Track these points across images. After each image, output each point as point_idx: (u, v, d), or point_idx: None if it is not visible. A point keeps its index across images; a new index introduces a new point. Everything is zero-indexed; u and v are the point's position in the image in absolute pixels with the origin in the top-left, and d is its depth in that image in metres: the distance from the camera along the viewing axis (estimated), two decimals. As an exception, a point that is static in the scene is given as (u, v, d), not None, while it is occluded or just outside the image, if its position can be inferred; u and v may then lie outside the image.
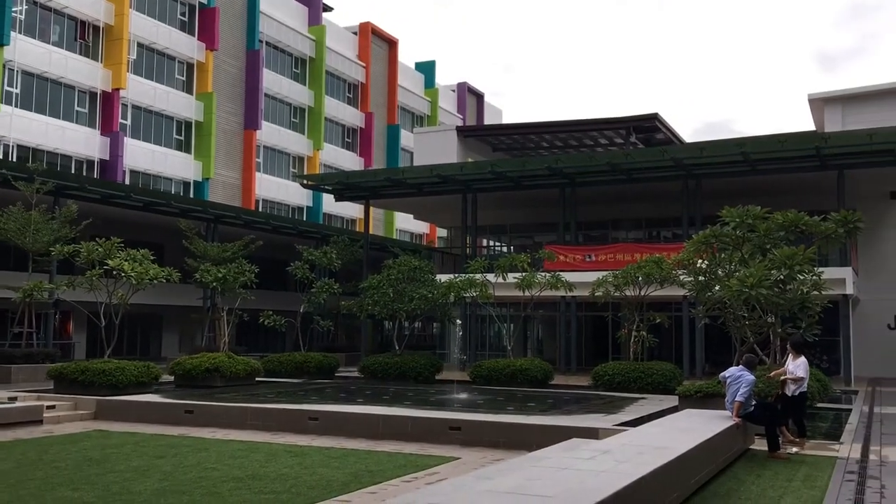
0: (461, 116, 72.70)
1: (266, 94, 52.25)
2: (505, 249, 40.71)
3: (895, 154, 26.83)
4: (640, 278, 22.79)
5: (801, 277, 15.92)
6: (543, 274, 26.40)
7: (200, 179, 47.42)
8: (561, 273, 26.77)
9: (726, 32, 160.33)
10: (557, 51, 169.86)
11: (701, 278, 17.72)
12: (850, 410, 18.26)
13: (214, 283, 26.48)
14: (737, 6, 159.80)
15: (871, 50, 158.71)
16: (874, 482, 9.72)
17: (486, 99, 77.96)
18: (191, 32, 47.71)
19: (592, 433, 11.95)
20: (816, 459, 11.32)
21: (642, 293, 23.23)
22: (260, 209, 50.28)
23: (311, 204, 55.25)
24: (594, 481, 6.53)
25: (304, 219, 53.03)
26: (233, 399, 18.20)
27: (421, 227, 63.42)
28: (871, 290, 33.43)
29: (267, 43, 52.95)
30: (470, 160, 40.19)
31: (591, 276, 25.69)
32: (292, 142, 54.74)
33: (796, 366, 12.71)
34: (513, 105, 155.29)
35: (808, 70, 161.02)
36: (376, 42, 64.02)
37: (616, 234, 37.31)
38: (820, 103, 36.81)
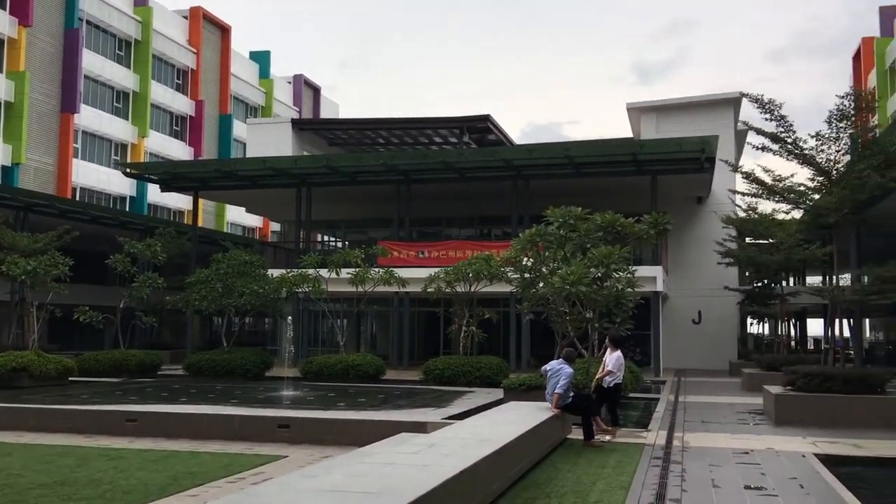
0: (297, 109, 71.50)
1: (86, 76, 49.04)
2: (339, 245, 40.52)
3: (701, 161, 29.07)
4: (471, 275, 23.40)
5: (617, 275, 16.95)
6: (377, 270, 26.51)
7: (10, 164, 43.86)
8: (394, 269, 26.99)
9: (553, 39, 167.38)
10: (393, 49, 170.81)
11: (527, 275, 18.44)
12: (657, 400, 19.60)
13: (23, 277, 24.61)
14: (564, 16, 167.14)
15: (683, 62, 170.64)
16: (676, 466, 10.52)
17: (323, 93, 77.11)
18: (2, 6, 43.99)
19: (421, 427, 12.14)
20: (627, 447, 12.08)
21: (472, 289, 23.86)
22: (78, 198, 47.16)
23: (134, 194, 52.46)
24: (419, 475, 6.65)
25: (127, 209, 50.28)
26: (42, 400, 17.01)
27: (254, 220, 61.85)
28: (679, 288, 36.10)
29: (88, 22, 49.70)
30: (305, 153, 39.64)
31: (425, 273, 26.11)
32: (115, 128, 51.72)
33: (611, 359, 13.50)
34: (349, 101, 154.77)
35: (628, 80, 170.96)
36: (208, 28, 61.67)
37: (449, 232, 38.07)
38: (637, 112, 39.26)
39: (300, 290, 26.88)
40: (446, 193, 34.77)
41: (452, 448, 8.27)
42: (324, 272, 26.44)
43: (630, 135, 41.87)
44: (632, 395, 19.93)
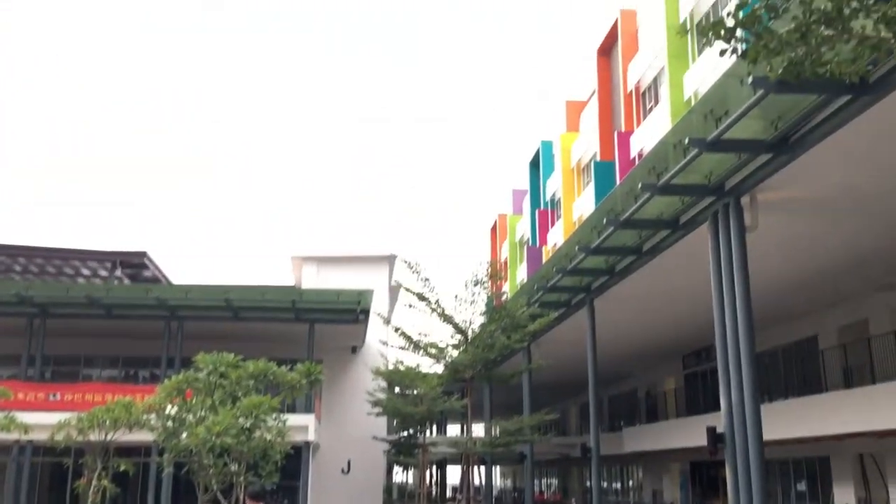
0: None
1: None
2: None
3: (357, 313, 30.29)
4: (107, 422, 21.40)
5: (267, 424, 16.66)
6: (-6, 414, 23.16)
7: None
8: (18, 413, 23.81)
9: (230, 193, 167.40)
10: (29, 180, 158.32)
11: (170, 424, 17.37)
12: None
13: None
14: (268, 167, 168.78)
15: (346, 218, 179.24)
16: None
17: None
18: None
19: None
20: None
21: (109, 438, 21.77)
22: None
23: None
24: None
25: None
26: None
27: None
28: (331, 436, 36.30)
29: None
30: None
31: (56, 418, 23.36)
32: None
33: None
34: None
35: (289, 231, 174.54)
36: None
37: (89, 372, 34.82)
38: (300, 261, 40.20)
39: None
40: (89, 330, 32.03)
41: None
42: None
43: (293, 283, 42.50)
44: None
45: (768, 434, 14.97)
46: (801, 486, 24.70)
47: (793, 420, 20.34)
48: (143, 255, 35.87)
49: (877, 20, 5.07)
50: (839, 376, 21.74)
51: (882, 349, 19.29)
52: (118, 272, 36.90)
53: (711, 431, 15.50)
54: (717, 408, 15.47)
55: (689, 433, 25.01)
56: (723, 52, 5.48)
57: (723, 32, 5.08)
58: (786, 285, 19.99)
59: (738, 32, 5.08)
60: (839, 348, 21.91)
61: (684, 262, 18.20)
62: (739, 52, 5.17)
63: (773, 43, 5.03)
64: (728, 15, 5.12)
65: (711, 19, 33.47)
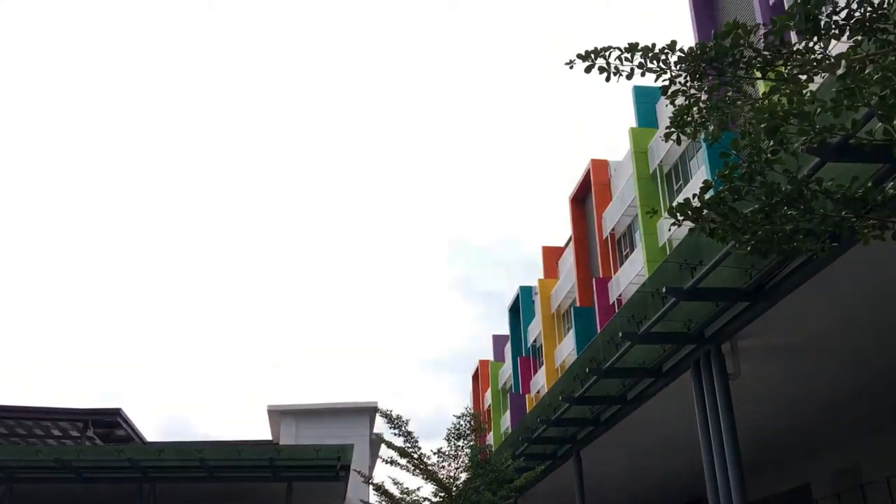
0: None
1: None
2: None
3: (337, 469, 29.36)
4: None
5: None
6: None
7: None
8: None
9: (177, 333, 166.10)
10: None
11: None
12: None
13: None
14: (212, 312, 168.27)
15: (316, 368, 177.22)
16: None
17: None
18: None
19: None
20: None
21: None
22: None
23: None
24: None
25: None
26: None
27: None
28: None
29: None
30: None
31: None
32: None
33: None
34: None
35: (266, 374, 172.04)
36: None
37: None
38: (277, 415, 39.33)
39: None
40: (58, 495, 30.70)
41: None
42: None
43: (269, 436, 41.43)
44: None
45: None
46: None
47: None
48: (116, 412, 35.07)
49: (836, 200, 5.31)
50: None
51: (876, 496, 18.85)
52: (90, 432, 35.87)
53: (709, 589, 14.83)
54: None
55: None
56: (692, 231, 5.70)
57: (690, 213, 5.29)
58: (774, 431, 19.73)
59: (705, 212, 5.31)
60: (833, 498, 21.39)
61: (670, 410, 17.99)
62: (707, 230, 5.39)
63: (738, 222, 5.24)
64: (694, 196, 5.36)
65: (679, 169, 34.64)
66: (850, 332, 14.51)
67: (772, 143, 4.85)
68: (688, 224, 5.35)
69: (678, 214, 5.24)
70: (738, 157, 5.06)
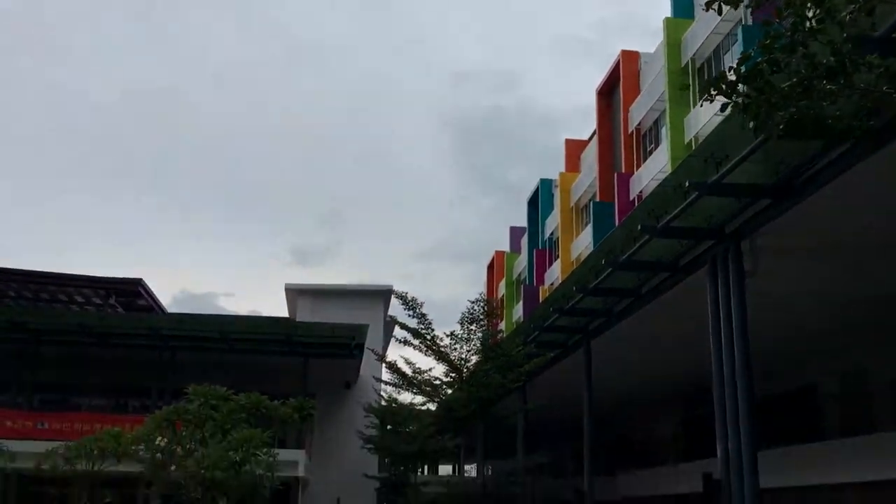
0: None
1: None
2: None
3: (352, 348, 30.06)
4: (96, 452, 21.11)
5: (257, 459, 16.43)
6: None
7: None
8: (4, 441, 23.55)
9: (210, 209, 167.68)
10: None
11: (158, 456, 17.12)
12: None
13: None
14: (219, 192, 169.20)
15: (338, 251, 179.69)
16: None
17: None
18: None
19: None
20: None
21: (96, 468, 21.46)
22: None
23: None
24: None
25: None
26: None
27: None
28: (322, 472, 35.77)
29: None
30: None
31: (43, 446, 23.05)
32: None
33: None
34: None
35: (285, 259, 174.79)
36: None
37: (80, 400, 34.43)
38: (294, 294, 40.00)
39: None
40: (82, 358, 31.74)
41: None
42: None
43: (286, 314, 42.28)
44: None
45: (765, 482, 14.75)
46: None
47: (790, 468, 20.08)
48: (138, 282, 35.73)
49: (878, 75, 5.07)
50: (839, 426, 21.52)
51: (882, 399, 19.11)
52: (112, 300, 36.73)
53: (707, 477, 15.30)
54: (713, 454, 15.22)
55: (685, 479, 24.69)
56: (724, 107, 5.48)
57: (724, 87, 5.07)
58: (786, 331, 19.87)
59: (740, 87, 5.07)
60: (840, 397, 21.72)
61: (683, 306, 18.09)
62: (741, 106, 5.15)
63: (774, 97, 5.01)
64: (730, 70, 5.11)
65: (713, 65, 33.67)
66: (872, 236, 14.35)
67: (818, 10, 4.59)
68: (720, 100, 5.15)
69: (712, 89, 5.03)
70: (780, 25, 4.81)
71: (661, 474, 29.64)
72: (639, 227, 15.46)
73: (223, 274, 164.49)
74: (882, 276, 16.26)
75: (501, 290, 59.69)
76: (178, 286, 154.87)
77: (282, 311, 43.35)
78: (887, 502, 19.96)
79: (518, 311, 56.01)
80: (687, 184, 13.41)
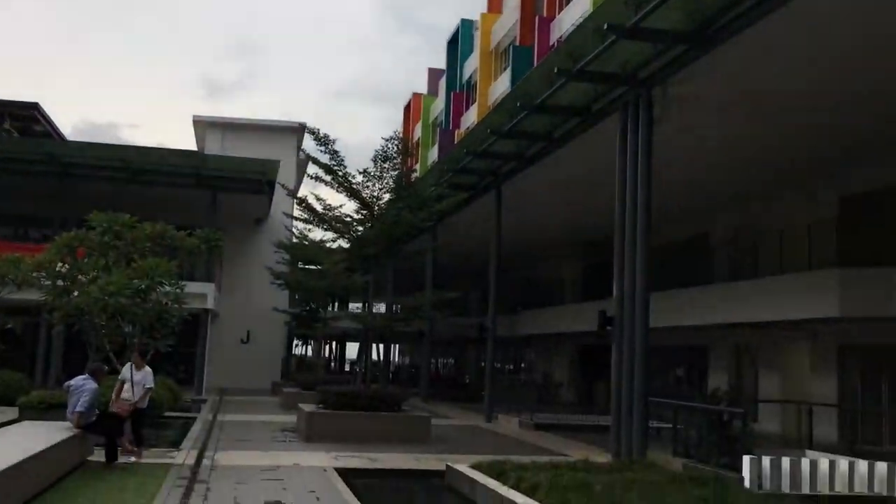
0: None
1: None
2: None
3: (262, 184, 29.63)
4: (-6, 279, 20.59)
5: (164, 289, 16.37)
6: None
7: None
8: None
9: (118, 39, 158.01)
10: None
11: (60, 282, 16.83)
12: (196, 419, 19.25)
13: None
14: (131, 18, 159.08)
15: (251, 85, 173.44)
16: (202, 486, 10.37)
17: None
18: None
19: None
20: (153, 468, 11.58)
21: (-5, 295, 21.02)
22: None
23: None
24: None
25: None
26: None
27: None
28: (231, 306, 36.14)
29: None
30: None
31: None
32: None
33: (141, 376, 12.81)
34: None
35: (196, 92, 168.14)
36: None
37: (-24, 229, 33.21)
38: (204, 126, 38.74)
39: None
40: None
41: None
42: None
43: (195, 147, 41.09)
44: (169, 414, 19.30)
45: (655, 321, 15.67)
46: (681, 372, 26.27)
47: (679, 309, 21.37)
48: (34, 106, 33.86)
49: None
50: (727, 272, 22.83)
51: (768, 248, 20.25)
52: (7, 124, 34.79)
53: (602, 314, 16.13)
54: (611, 296, 15.96)
55: (583, 318, 25.99)
56: None
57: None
58: (687, 181, 20.56)
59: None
60: (728, 245, 22.92)
61: (592, 152, 18.40)
62: None
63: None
64: None
65: None
66: (783, 91, 14.69)
67: None
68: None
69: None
70: None
71: (561, 313, 31.13)
72: (555, 69, 15.37)
73: (127, 104, 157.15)
74: (783, 134, 16.80)
75: (418, 132, 59.15)
76: (77, 115, 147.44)
77: (190, 145, 42.10)
78: (770, 339, 21.63)
79: (433, 154, 55.89)
80: (605, 26, 13.29)
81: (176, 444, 14.39)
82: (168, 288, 16.67)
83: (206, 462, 12.44)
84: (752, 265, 21.10)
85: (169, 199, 30.86)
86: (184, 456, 12.87)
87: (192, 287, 23.92)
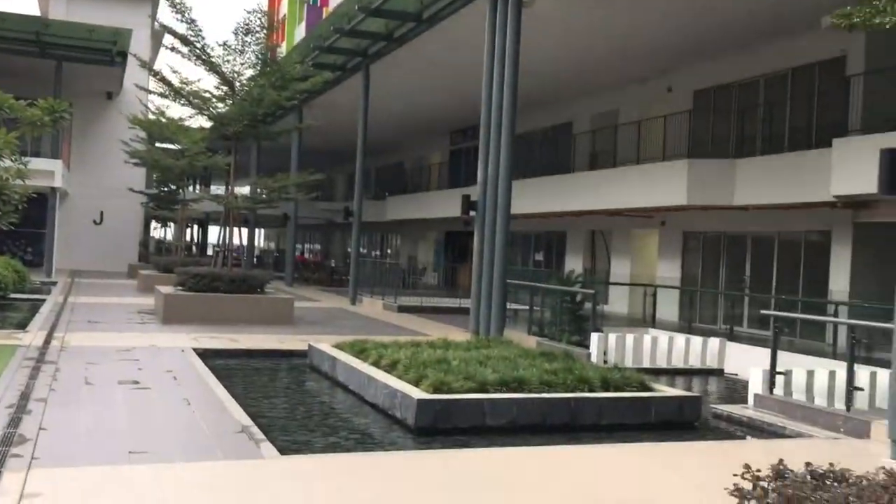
0: None
1: None
2: None
3: (113, 54, 27.65)
4: None
5: (3, 163, 15.25)
6: None
7: None
8: None
9: None
10: None
11: None
12: (44, 301, 18.43)
13: None
14: None
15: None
16: (50, 366, 10.01)
17: None
18: None
19: None
20: (-2, 349, 11.07)
21: None
22: None
23: None
24: None
25: None
26: None
27: None
28: (82, 185, 34.23)
29: None
30: None
31: None
32: None
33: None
34: None
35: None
36: None
37: None
38: (46, -12, 35.40)
39: None
40: None
41: None
42: None
43: (38, 13, 37.62)
44: (16, 296, 18.40)
45: (518, 208, 16.05)
46: (539, 256, 27.29)
47: (540, 197, 21.98)
48: None
49: None
50: (587, 161, 23.54)
51: (626, 137, 20.95)
52: None
53: (466, 198, 16.35)
54: (475, 183, 16.15)
55: (448, 204, 26.34)
56: None
57: None
58: (553, 69, 20.74)
59: None
60: (589, 134, 23.55)
61: (461, 34, 18.17)
62: None
63: None
64: None
65: None
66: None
67: None
68: None
69: None
70: None
71: (427, 199, 31.40)
72: (426, -55, 14.88)
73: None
74: (650, 22, 17.04)
75: (284, 8, 56.43)
76: None
77: (33, 11, 38.44)
78: (623, 226, 22.67)
79: (301, 32, 53.66)
80: None
81: (22, 326, 13.76)
82: (9, 162, 15.54)
83: (55, 343, 11.99)
84: (612, 154, 21.83)
85: (8, 68, 28.35)
86: (31, 337, 12.35)
87: (38, 163, 22.44)
